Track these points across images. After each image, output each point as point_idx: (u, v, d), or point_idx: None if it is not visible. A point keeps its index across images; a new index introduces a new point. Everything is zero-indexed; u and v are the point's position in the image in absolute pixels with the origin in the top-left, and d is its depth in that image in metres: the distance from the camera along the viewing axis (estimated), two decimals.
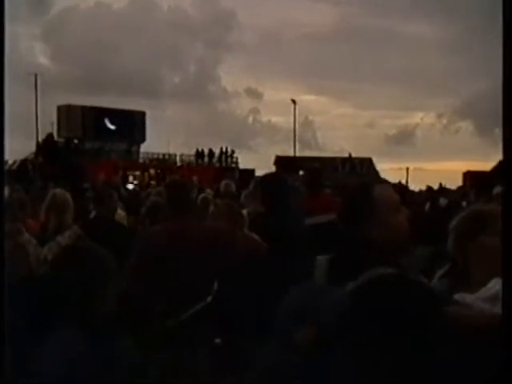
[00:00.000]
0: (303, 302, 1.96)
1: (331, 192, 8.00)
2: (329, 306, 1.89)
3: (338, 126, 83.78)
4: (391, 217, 2.07)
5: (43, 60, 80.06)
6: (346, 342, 1.84)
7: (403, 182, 31.02)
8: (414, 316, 1.86)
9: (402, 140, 73.97)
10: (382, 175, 42.97)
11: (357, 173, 41.10)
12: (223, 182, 8.32)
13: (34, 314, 2.19)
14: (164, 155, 42.45)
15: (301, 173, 39.50)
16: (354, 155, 46.73)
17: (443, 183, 17.17)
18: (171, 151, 43.01)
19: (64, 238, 4.22)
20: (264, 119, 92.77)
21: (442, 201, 10.40)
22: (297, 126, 47.05)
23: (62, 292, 2.12)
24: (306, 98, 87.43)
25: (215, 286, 3.51)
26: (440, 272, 2.46)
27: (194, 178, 29.89)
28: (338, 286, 1.96)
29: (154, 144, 43.05)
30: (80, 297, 2.11)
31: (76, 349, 2.03)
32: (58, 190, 4.84)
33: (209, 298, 3.42)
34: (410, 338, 1.83)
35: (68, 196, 4.67)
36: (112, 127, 41.37)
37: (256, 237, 3.94)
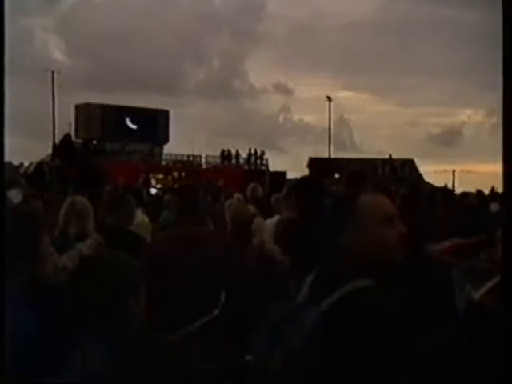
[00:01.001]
0: (274, 323, 1.98)
1: None
2: (299, 328, 1.88)
3: (377, 124, 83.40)
4: (378, 228, 2.06)
5: (59, 55, 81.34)
6: (317, 365, 1.84)
7: (449, 185, 30.62)
8: (392, 333, 1.84)
9: (448, 140, 73.20)
10: (426, 178, 42.56)
11: (397, 176, 40.72)
12: (250, 186, 8.32)
13: (52, 321, 2.23)
14: (188, 157, 42.71)
15: (336, 176, 39.38)
16: (394, 156, 46.43)
17: (495, 187, 16.85)
18: (196, 152, 43.36)
19: (86, 247, 4.25)
20: (295, 118, 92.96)
21: (494, 206, 10.20)
22: (332, 124, 47.00)
23: (86, 301, 2.15)
24: (342, 95, 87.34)
25: (222, 297, 3.54)
26: (487, 286, 2.42)
27: (220, 182, 30.07)
28: (316, 304, 1.95)
29: (177, 145, 43.42)
30: (105, 306, 2.13)
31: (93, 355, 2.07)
32: (78, 198, 4.88)
33: (215, 311, 3.44)
34: (388, 359, 1.81)
35: (88, 203, 4.71)
36: (133, 127, 41.78)
37: (274, 247, 3.93)
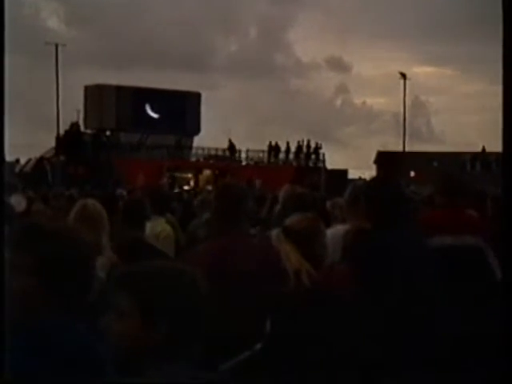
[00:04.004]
0: None
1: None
2: None
3: (465, 108, 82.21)
4: None
5: (65, 26, 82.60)
6: None
7: None
8: None
9: None
10: None
11: (493, 173, 40.07)
12: (284, 188, 8.17)
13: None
14: (224, 151, 42.90)
15: (412, 174, 38.83)
16: (488, 149, 45.75)
17: None
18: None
19: (98, 269, 4.23)
20: (357, 101, 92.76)
21: None
22: (406, 109, 46.56)
23: None
24: (418, 71, 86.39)
25: (267, 328, 3.46)
26: None
27: (257, 182, 30.09)
28: None
29: (210, 136, 43.57)
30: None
31: None
32: (90, 202, 4.88)
33: (258, 345, 3.39)
34: None
35: (102, 209, 4.71)
36: (155, 114, 42.09)
37: (341, 267, 3.88)
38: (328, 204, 6.43)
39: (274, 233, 3.92)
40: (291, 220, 4.01)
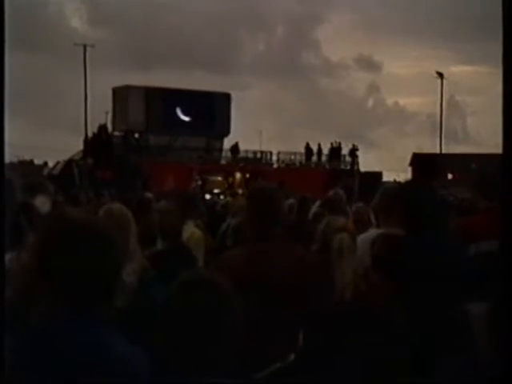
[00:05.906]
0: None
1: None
2: None
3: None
4: None
5: (92, 28, 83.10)
6: None
7: None
8: None
9: None
10: None
11: None
12: (332, 192, 8.23)
13: None
14: (255, 153, 42.85)
15: (449, 177, 38.34)
16: None
17: None
18: (264, 147, 43.46)
19: (128, 274, 4.24)
20: (389, 101, 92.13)
21: None
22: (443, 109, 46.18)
23: None
24: (455, 70, 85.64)
25: (300, 338, 3.44)
26: None
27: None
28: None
29: (239, 138, 43.54)
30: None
31: None
32: (116, 206, 4.90)
33: (291, 357, 3.35)
34: None
35: (128, 213, 4.72)
36: (185, 116, 42.16)
37: (373, 275, 3.86)
38: (353, 208, 6.41)
39: (342, 236, 3.83)
40: (342, 223, 3.96)
